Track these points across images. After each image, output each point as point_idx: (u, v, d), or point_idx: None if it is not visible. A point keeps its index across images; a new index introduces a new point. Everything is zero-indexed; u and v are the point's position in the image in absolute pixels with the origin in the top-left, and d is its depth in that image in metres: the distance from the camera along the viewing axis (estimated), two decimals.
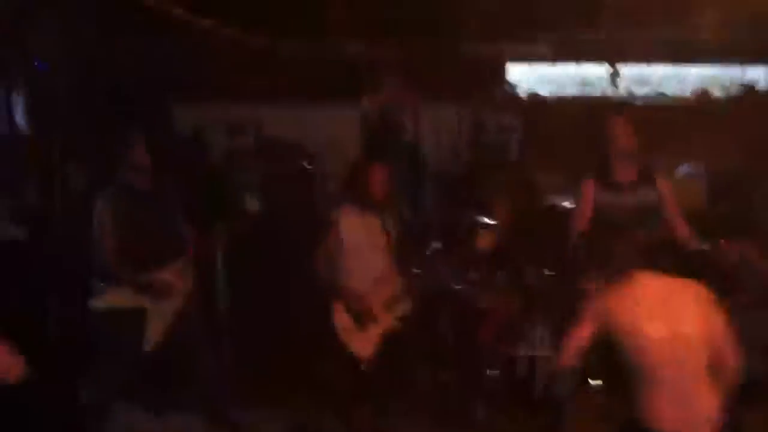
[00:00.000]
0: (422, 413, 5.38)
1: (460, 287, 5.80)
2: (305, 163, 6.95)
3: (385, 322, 4.72)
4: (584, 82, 8.53)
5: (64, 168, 5.44)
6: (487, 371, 5.30)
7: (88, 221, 4.63)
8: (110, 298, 4.60)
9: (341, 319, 4.65)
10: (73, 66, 5.20)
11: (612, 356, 3.61)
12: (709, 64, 8.52)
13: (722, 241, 5.06)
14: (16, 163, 5.30)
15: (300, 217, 6.09)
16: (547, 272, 5.68)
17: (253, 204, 4.73)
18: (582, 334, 3.34)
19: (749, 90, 8.25)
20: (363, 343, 4.69)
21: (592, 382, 5.36)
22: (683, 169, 7.33)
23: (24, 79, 5.19)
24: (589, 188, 4.73)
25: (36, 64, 5.14)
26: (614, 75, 8.16)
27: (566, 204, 7.42)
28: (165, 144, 5.65)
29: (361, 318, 4.64)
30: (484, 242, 4.82)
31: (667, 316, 3.20)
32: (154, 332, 4.61)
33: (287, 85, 7.88)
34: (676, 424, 3.16)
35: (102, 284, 4.63)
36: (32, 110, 5.35)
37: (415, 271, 4.88)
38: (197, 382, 4.90)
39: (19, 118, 5.33)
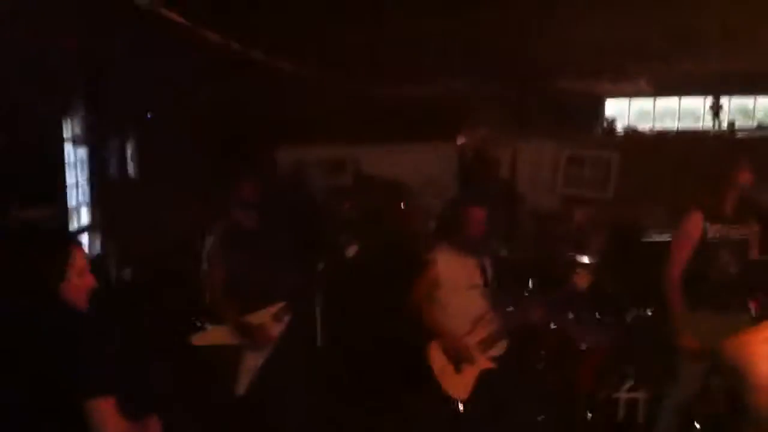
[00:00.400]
0: None
1: (556, 327, 5.76)
2: (402, 202, 7.03)
3: (481, 362, 4.70)
4: (684, 116, 8.36)
5: (172, 212, 5.65)
6: (587, 414, 5.22)
7: (195, 263, 4.79)
8: (211, 336, 4.71)
9: (437, 360, 4.64)
10: (180, 115, 5.44)
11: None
12: None
13: None
14: (128, 207, 5.53)
15: (397, 256, 6.16)
16: (648, 311, 5.58)
17: (352, 250, 4.77)
18: None
19: None
20: (459, 385, 4.65)
21: (697, 425, 5.23)
22: None
23: (136, 129, 5.45)
24: (698, 220, 4.62)
25: (147, 115, 5.40)
26: (716, 108, 7.97)
27: (666, 239, 7.30)
28: (270, 184, 5.82)
29: (459, 359, 4.63)
30: (581, 281, 4.74)
31: None
32: (248, 371, 4.67)
33: (385, 124, 8.03)
34: None
35: (205, 322, 4.77)
36: (143, 158, 5.60)
37: (512, 310, 4.85)
38: (292, 425, 4.93)
39: (131, 165, 5.59)
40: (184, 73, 5.35)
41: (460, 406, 4.64)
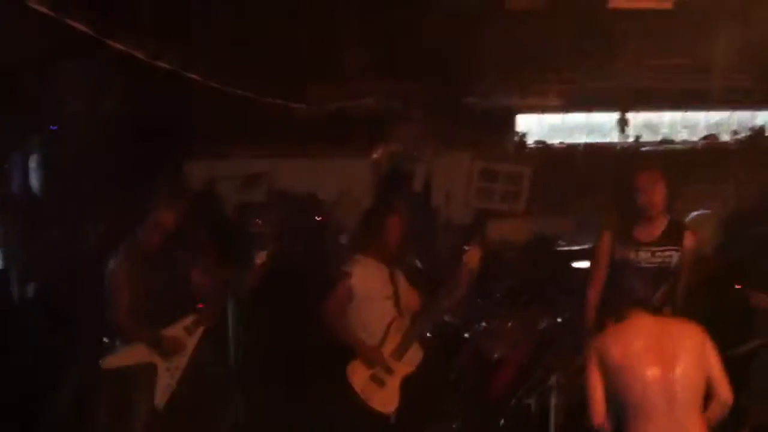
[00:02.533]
0: None
1: (470, 336, 5.81)
2: (317, 216, 7.01)
3: (400, 370, 4.70)
4: (593, 130, 8.61)
5: (75, 228, 5.51)
6: (500, 421, 5.26)
7: (99, 280, 4.68)
8: (122, 357, 4.62)
9: (358, 379, 4.61)
10: (85, 127, 5.31)
11: None
12: (717, 111, 8.59)
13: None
14: (30, 222, 5.38)
15: (312, 269, 6.13)
16: (559, 320, 5.68)
17: (260, 257, 4.72)
18: (595, 384, 3.38)
19: (758, 135, 8.29)
20: (385, 398, 4.65)
21: None
22: (693, 216, 7.32)
23: (38, 142, 5.30)
24: (606, 242, 4.66)
25: (50, 127, 5.25)
26: (623, 122, 8.23)
27: (576, 248, 7.49)
28: (178, 201, 5.72)
29: (379, 372, 4.62)
30: (470, 261, 4.75)
31: (661, 356, 3.26)
32: (164, 389, 4.61)
33: (299, 138, 8.01)
34: None
35: (113, 342, 4.66)
36: (46, 172, 5.45)
37: (426, 320, 4.86)
38: None
39: (34, 179, 5.42)
40: (89, 84, 5.23)
41: (391, 419, 4.63)
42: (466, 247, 4.81)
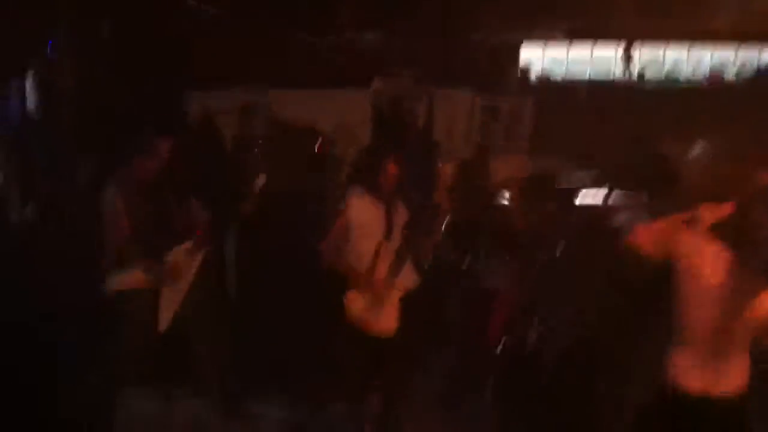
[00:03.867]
0: (432, 394, 5.42)
1: (469, 269, 5.81)
2: (316, 148, 6.94)
3: (395, 294, 4.72)
4: (597, 66, 8.50)
5: (74, 156, 5.47)
6: (497, 351, 5.30)
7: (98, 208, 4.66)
8: (120, 281, 4.62)
9: (355, 306, 4.65)
10: (84, 55, 5.22)
11: None
12: (722, 48, 8.48)
13: None
14: (29, 150, 5.34)
15: (309, 202, 6.11)
16: (558, 255, 5.67)
17: (260, 179, 4.72)
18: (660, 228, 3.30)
19: (762, 73, 8.19)
20: (383, 323, 4.70)
21: None
22: (697, 151, 7.27)
23: (36, 69, 5.22)
24: None
25: (48, 54, 5.16)
26: (627, 58, 8.12)
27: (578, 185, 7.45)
28: (176, 130, 5.67)
29: (375, 300, 4.64)
30: (446, 175, 4.75)
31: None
32: (165, 314, 4.65)
33: (298, 69, 7.90)
34: (704, 383, 3.18)
35: (112, 268, 4.66)
36: (44, 99, 5.38)
37: (412, 241, 4.84)
38: (207, 366, 4.94)
39: (31, 106, 5.35)
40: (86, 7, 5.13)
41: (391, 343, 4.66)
42: (441, 165, 4.81)
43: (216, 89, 7.11)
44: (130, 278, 4.63)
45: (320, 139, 6.83)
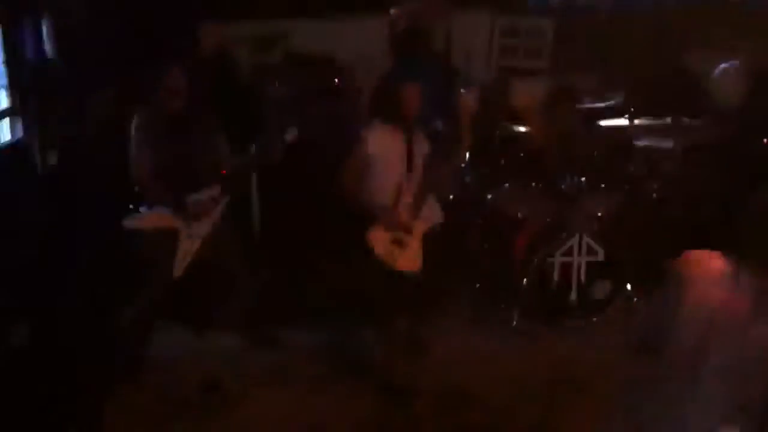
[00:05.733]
0: (459, 322, 5.50)
1: (493, 197, 5.81)
2: (336, 79, 6.87)
3: (419, 228, 4.72)
4: None
5: (95, 94, 5.45)
6: (523, 280, 5.34)
7: (121, 146, 4.65)
8: (145, 220, 4.64)
9: (380, 244, 4.63)
10: None
11: None
12: None
13: None
14: (47, 91, 5.31)
15: (330, 134, 6.08)
16: (582, 180, 5.65)
17: (291, 133, 4.66)
18: None
19: None
20: (408, 259, 4.70)
21: (629, 286, 5.41)
22: (725, 67, 7.12)
23: (49, 8, 5.16)
24: None
25: None
26: None
27: (600, 105, 7.36)
28: (193, 64, 5.61)
29: (399, 236, 4.64)
30: (466, 101, 4.70)
31: None
32: (184, 254, 4.65)
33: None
34: None
35: (137, 206, 4.68)
36: (61, 37, 5.32)
37: (434, 171, 4.82)
38: (234, 301, 5.00)
39: (48, 45, 5.31)
40: None
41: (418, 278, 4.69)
42: (463, 90, 4.75)
43: (231, 21, 7.00)
44: (151, 217, 4.63)
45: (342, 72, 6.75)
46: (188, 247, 4.67)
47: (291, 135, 4.67)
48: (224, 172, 4.78)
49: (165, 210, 4.62)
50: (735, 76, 6.88)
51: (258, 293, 5.09)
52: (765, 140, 5.47)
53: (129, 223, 4.63)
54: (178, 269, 4.64)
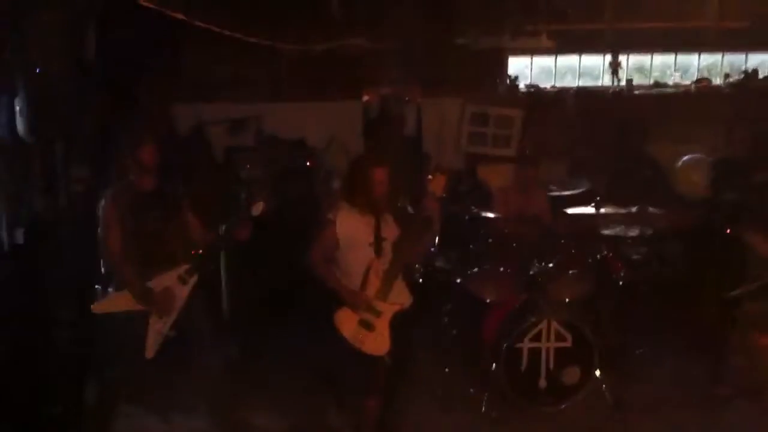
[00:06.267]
0: (429, 407, 5.43)
1: (462, 281, 5.83)
2: (307, 161, 6.94)
3: (387, 311, 4.70)
4: (585, 74, 8.54)
5: (66, 171, 5.43)
6: (491, 365, 5.31)
7: (91, 224, 4.62)
8: (113, 302, 4.59)
9: (347, 327, 4.61)
10: (72, 68, 5.19)
11: None
12: (709, 53, 8.54)
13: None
14: (19, 168, 5.30)
15: (301, 215, 6.11)
16: (551, 265, 5.71)
17: (257, 208, 4.66)
18: None
19: (750, 77, 8.24)
20: (376, 342, 4.66)
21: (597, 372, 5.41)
22: (687, 159, 7.33)
23: (25, 84, 5.18)
24: None
25: (37, 69, 5.12)
26: (614, 65, 8.15)
27: (567, 193, 7.50)
28: (168, 143, 5.65)
29: (366, 318, 4.62)
30: (435, 187, 4.72)
31: None
32: (155, 335, 4.58)
33: (288, 81, 7.90)
34: None
35: (105, 288, 4.62)
36: (33, 115, 5.33)
37: (403, 254, 4.82)
38: (202, 381, 4.90)
39: (21, 123, 5.31)
40: (69, 23, 5.10)
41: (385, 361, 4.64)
42: (431, 176, 4.79)
43: (204, 103, 7.09)
44: (119, 300, 4.57)
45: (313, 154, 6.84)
46: (159, 329, 4.61)
47: (257, 208, 4.66)
48: (194, 252, 4.74)
49: (132, 294, 4.55)
50: (698, 167, 7.10)
51: (226, 373, 4.99)
52: (728, 230, 5.56)
53: (98, 307, 4.57)
54: (149, 350, 4.57)
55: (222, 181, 6.17)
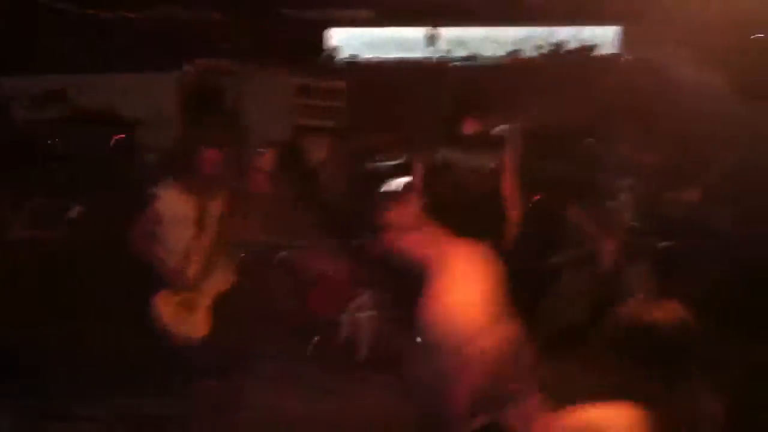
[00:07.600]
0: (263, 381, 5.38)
1: (287, 255, 5.80)
2: (116, 134, 6.63)
3: (209, 292, 4.60)
4: (404, 45, 8.67)
5: None
6: (315, 338, 5.34)
7: None
8: None
9: (167, 308, 4.48)
10: None
11: None
12: (522, 26, 8.88)
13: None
14: None
15: (120, 192, 5.85)
16: (374, 234, 5.78)
17: (74, 211, 4.45)
18: None
19: (559, 49, 8.66)
20: (195, 324, 4.56)
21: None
22: (499, 128, 7.59)
23: None
24: None
25: None
26: (432, 38, 8.33)
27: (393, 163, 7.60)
28: None
29: (187, 298, 4.50)
30: (264, 162, 4.72)
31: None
32: None
33: (103, 51, 7.51)
34: None
35: None
36: None
37: (224, 231, 4.75)
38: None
39: None
40: None
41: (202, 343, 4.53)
42: (260, 150, 4.76)
43: (9, 76, 6.63)
44: None
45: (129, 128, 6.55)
46: None
47: (74, 212, 4.46)
48: None
49: None
50: (513, 135, 7.38)
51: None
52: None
53: None
54: None
55: (26, 156, 5.77)
